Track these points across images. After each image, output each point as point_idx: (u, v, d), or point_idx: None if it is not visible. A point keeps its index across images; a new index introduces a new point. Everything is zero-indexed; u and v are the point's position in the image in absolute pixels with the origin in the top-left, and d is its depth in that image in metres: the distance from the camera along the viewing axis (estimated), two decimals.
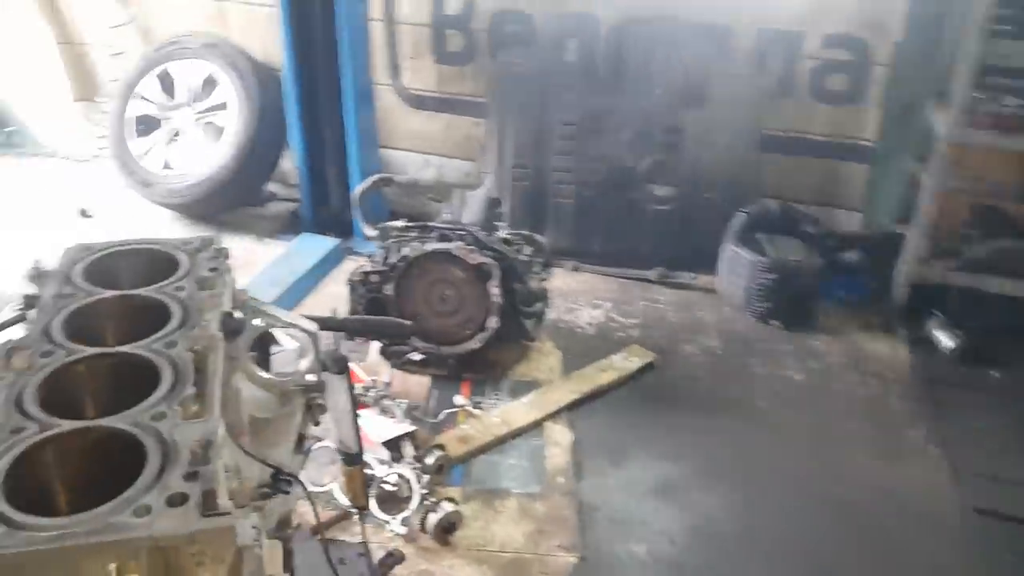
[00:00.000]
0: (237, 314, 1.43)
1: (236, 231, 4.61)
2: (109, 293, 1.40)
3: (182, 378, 1.24)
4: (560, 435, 3.22)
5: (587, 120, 4.25)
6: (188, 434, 1.13)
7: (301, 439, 1.72)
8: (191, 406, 1.20)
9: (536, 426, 3.25)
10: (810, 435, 3.33)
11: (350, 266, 3.87)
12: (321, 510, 2.70)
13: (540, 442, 3.18)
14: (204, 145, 4.61)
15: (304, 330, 1.65)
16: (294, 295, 3.87)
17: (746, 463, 3.16)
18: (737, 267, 4.06)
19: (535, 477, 2.99)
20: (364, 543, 2.42)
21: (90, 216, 4.60)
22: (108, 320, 1.38)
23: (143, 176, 4.62)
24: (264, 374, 1.65)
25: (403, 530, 2.67)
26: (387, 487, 2.78)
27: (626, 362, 3.64)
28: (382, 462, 2.85)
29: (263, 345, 1.74)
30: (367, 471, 2.74)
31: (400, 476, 2.82)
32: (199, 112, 4.67)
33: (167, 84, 4.69)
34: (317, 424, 1.77)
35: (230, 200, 4.64)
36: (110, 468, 1.11)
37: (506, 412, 3.28)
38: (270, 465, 1.35)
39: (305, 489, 1.42)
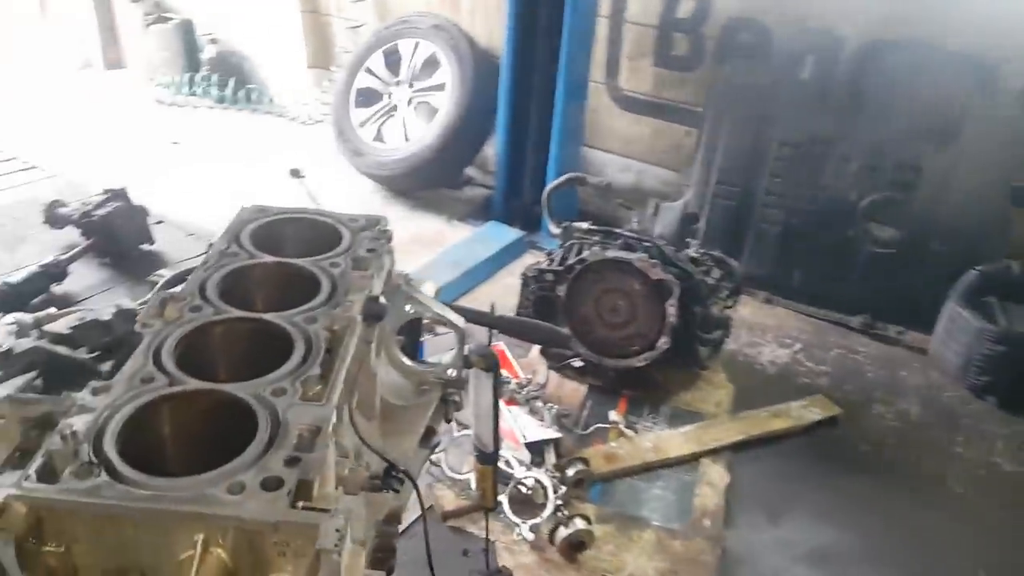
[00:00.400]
0: (383, 299, 1.40)
1: (429, 210, 4.74)
2: (267, 259, 1.42)
3: (312, 356, 1.22)
4: (716, 475, 3.00)
5: (811, 144, 3.92)
6: (300, 416, 1.10)
7: (430, 433, 1.68)
8: (313, 386, 1.17)
9: (691, 460, 3.04)
10: (1012, 535, 2.87)
11: (529, 260, 3.84)
12: (455, 497, 2.72)
13: (692, 478, 2.98)
14: (416, 123, 4.76)
15: (452, 324, 1.60)
16: (470, 280, 3.90)
17: (923, 549, 2.78)
18: (958, 330, 3.58)
19: (679, 513, 2.80)
20: (487, 539, 2.38)
21: (301, 177, 4.90)
22: (261, 285, 1.40)
23: (356, 145, 4.86)
24: (406, 361, 1.62)
25: (531, 536, 2.60)
26: (522, 489, 2.72)
27: (806, 411, 3.33)
28: (522, 463, 2.79)
29: (412, 332, 1.72)
30: (506, 470, 2.70)
31: (537, 481, 2.75)
32: (416, 90, 4.83)
33: (392, 61, 4.90)
34: (449, 421, 1.72)
35: (430, 179, 4.77)
36: (224, 433, 1.11)
37: (661, 439, 3.11)
38: (385, 459, 1.30)
39: (417, 489, 1.36)
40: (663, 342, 3.15)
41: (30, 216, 4.22)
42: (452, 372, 1.63)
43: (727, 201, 4.13)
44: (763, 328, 3.92)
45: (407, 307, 1.54)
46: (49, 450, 1.01)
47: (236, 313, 1.27)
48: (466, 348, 1.68)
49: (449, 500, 2.71)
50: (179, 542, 0.97)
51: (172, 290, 1.31)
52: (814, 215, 3.97)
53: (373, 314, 1.34)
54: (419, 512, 1.75)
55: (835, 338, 3.90)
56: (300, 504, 1.00)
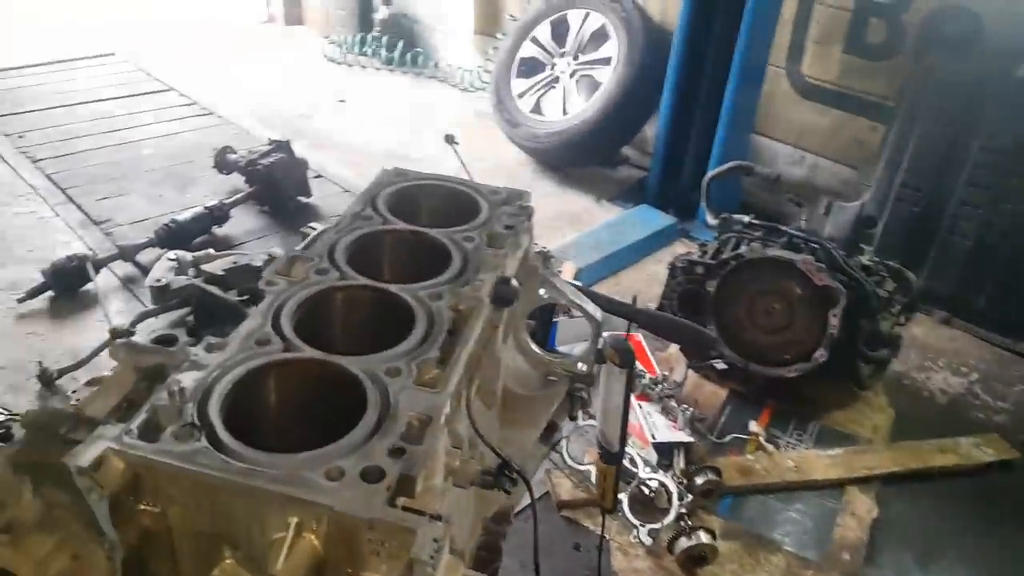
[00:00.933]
0: (516, 281, 1.28)
1: (579, 187, 4.60)
2: (400, 226, 1.33)
3: (433, 336, 1.12)
4: (862, 507, 2.72)
5: (1020, 152, 3.47)
6: (412, 402, 1.01)
7: (552, 428, 1.56)
8: (430, 370, 1.08)
9: (836, 487, 2.78)
10: None
11: (680, 250, 3.64)
12: (572, 487, 2.62)
13: (835, 506, 2.72)
14: (576, 97, 4.63)
15: (588, 315, 1.47)
16: (613, 264, 3.75)
17: None
18: None
19: (816, 542, 2.56)
20: (602, 539, 2.26)
21: (456, 144, 4.88)
22: (391, 252, 1.33)
23: (512, 115, 4.79)
24: (535, 349, 1.51)
25: (648, 541, 2.45)
26: (645, 491, 2.57)
27: (976, 450, 2.96)
28: (647, 463, 2.64)
29: (545, 317, 1.60)
30: (629, 468, 2.56)
31: (662, 485, 2.59)
32: (581, 63, 4.69)
33: (559, 31, 4.77)
34: (573, 419, 1.60)
35: (585, 156, 4.64)
36: (330, 407, 1.04)
37: (804, 458, 2.86)
38: (501, 457, 1.19)
39: (531, 492, 1.24)
40: (820, 354, 2.87)
41: (202, 159, 4.44)
42: (583, 367, 1.50)
43: (912, 207, 3.73)
44: (937, 352, 3.52)
45: (541, 291, 1.42)
46: (154, 405, 0.97)
47: (360, 281, 1.19)
48: (600, 341, 1.54)
49: (566, 489, 2.61)
50: (273, 521, 0.91)
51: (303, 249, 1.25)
52: (1014, 233, 3.51)
53: (503, 297, 1.23)
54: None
55: (1020, 373, 3.45)
56: (400, 501, 0.91)
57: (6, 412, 2.44)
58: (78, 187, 4.25)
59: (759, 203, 4.11)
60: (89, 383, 2.87)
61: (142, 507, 0.94)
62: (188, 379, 1.01)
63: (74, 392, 2.82)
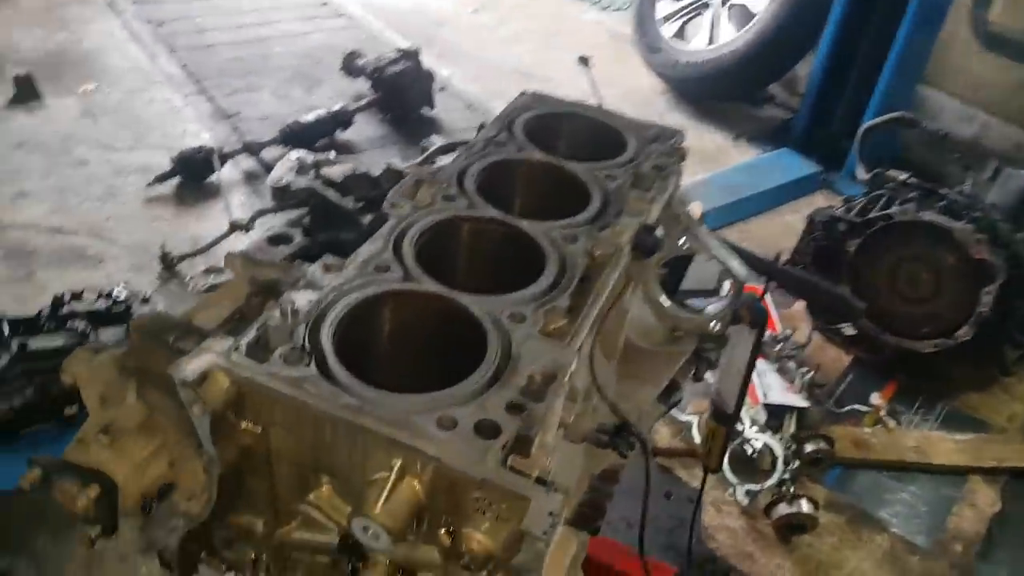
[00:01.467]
0: (660, 230, 1.16)
1: (716, 123, 4.34)
2: (536, 156, 1.22)
3: (563, 283, 1.02)
4: (984, 499, 2.56)
5: None
6: (536, 354, 0.92)
7: (673, 388, 1.45)
8: (558, 320, 0.98)
9: (957, 474, 2.61)
10: None
11: (820, 202, 3.39)
12: (670, 436, 2.54)
13: (954, 494, 2.57)
14: (724, 26, 4.32)
15: (732, 272, 1.33)
16: (744, 209, 3.53)
17: None
18: None
19: (927, 528, 2.45)
20: (700, 493, 2.17)
21: (590, 67, 4.68)
22: (524, 184, 1.22)
23: (654, 40, 4.53)
24: (664, 301, 1.38)
25: (745, 501, 2.38)
26: (748, 450, 2.46)
27: None
28: (755, 423, 2.52)
29: (678, 267, 1.47)
30: (738, 427, 2.45)
31: (767, 447, 2.47)
32: None
33: None
34: (698, 380, 1.48)
35: (727, 90, 4.36)
36: (447, 347, 0.96)
37: (928, 440, 2.69)
38: (621, 418, 1.10)
39: (648, 461, 1.15)
40: (964, 332, 2.65)
41: (330, 61, 4.42)
42: (716, 326, 1.37)
43: None
44: None
45: (681, 240, 1.29)
46: (266, 323, 0.91)
47: (489, 212, 1.10)
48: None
49: (663, 437, 2.56)
50: (376, 461, 0.85)
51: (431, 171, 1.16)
52: None
53: (645, 247, 1.11)
54: None
55: None
56: (511, 461, 0.83)
57: (127, 289, 2.56)
58: (210, 80, 4.32)
59: (918, 161, 3.75)
60: (207, 271, 2.93)
61: (244, 426, 0.90)
62: (302, 299, 0.95)
63: (191, 279, 2.91)
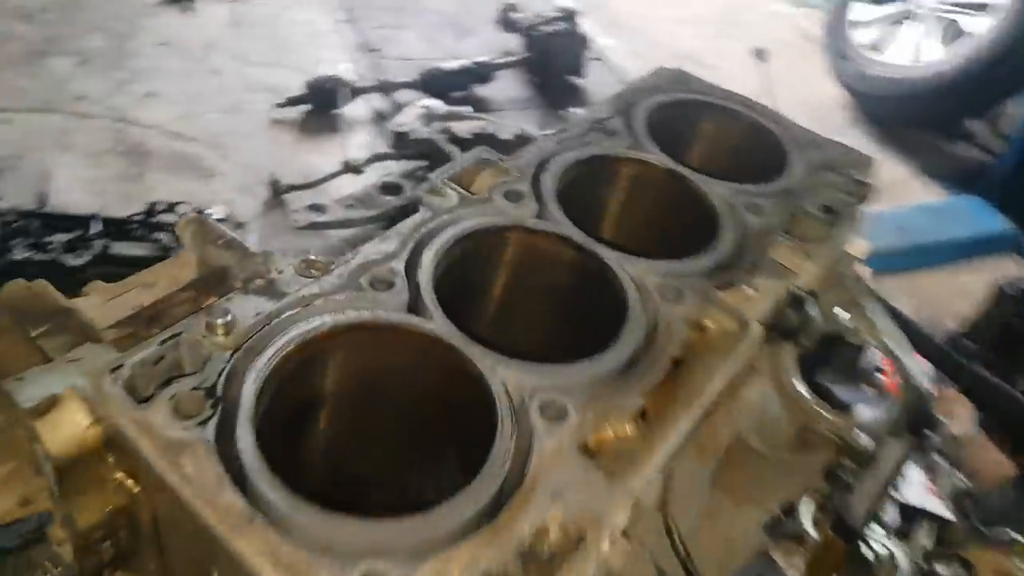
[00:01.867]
0: (813, 304, 0.76)
1: (900, 151, 3.78)
2: (652, 158, 0.83)
3: (645, 362, 0.65)
4: None
5: None
6: (565, 486, 0.56)
7: (787, 512, 1.05)
8: (621, 426, 0.61)
9: None
10: None
11: (1009, 269, 2.81)
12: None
13: None
14: (930, 42, 3.70)
15: (909, 380, 0.91)
16: (916, 258, 3.00)
17: None
18: None
19: None
20: None
21: (764, 61, 4.16)
22: (625, 193, 0.84)
23: (842, 46, 3.98)
24: (800, 388, 0.98)
25: None
26: (866, 552, 2.01)
27: None
28: (880, 522, 2.05)
29: (835, 351, 1.05)
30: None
31: (892, 557, 2.01)
32: (948, 4, 3.71)
33: None
34: (823, 508, 1.08)
35: (921, 116, 3.78)
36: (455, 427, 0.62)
37: None
38: None
39: None
40: None
41: (485, 12, 4.16)
42: (863, 440, 0.97)
43: None
44: None
45: (843, 316, 0.88)
46: (176, 340, 0.60)
47: (557, 229, 0.73)
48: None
49: None
50: None
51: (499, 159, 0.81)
52: None
53: (787, 329, 0.72)
54: None
55: None
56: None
57: (224, 210, 2.41)
58: (360, 10, 4.15)
59: None
60: (311, 207, 2.75)
61: (118, 477, 0.60)
62: (245, 308, 0.63)
63: (295, 212, 2.74)
